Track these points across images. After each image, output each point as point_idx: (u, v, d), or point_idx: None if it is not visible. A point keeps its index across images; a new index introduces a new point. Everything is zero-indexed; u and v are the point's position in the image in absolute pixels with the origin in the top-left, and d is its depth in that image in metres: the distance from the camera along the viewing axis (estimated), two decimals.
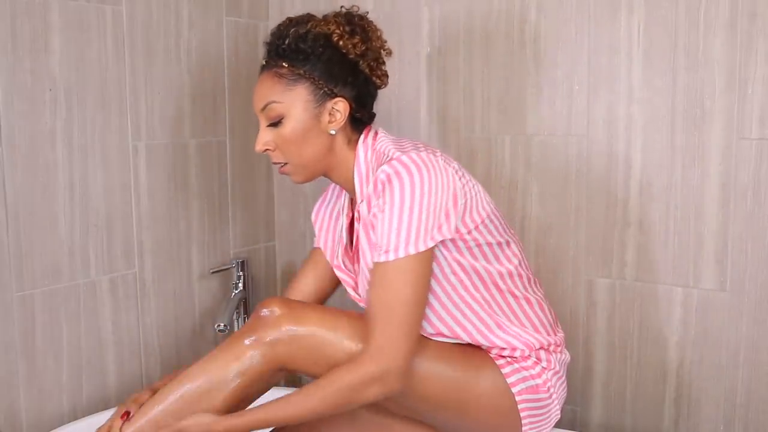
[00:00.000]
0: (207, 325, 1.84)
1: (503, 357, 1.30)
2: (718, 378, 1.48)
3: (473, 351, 1.30)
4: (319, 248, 1.46)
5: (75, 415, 1.57)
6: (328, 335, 1.22)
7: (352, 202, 1.38)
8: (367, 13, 1.32)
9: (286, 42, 1.25)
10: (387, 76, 1.32)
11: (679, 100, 1.46)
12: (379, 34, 1.31)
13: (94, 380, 1.61)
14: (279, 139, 1.27)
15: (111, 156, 1.61)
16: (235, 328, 1.80)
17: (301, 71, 1.25)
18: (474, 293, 1.28)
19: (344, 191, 1.41)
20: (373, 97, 1.32)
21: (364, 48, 1.27)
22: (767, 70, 1.38)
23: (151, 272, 1.70)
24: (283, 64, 1.25)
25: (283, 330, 1.22)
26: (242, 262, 1.82)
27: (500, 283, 1.30)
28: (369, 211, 1.25)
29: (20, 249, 1.46)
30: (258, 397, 1.27)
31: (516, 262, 1.32)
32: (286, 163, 1.30)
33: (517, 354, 1.30)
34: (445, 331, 1.30)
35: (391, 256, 1.18)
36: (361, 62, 1.27)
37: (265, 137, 1.28)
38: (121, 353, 1.66)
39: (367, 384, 1.17)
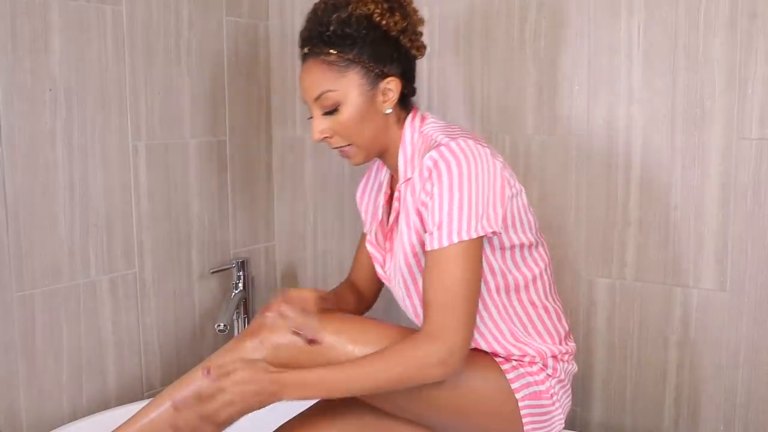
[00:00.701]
0: (207, 325, 1.84)
1: (508, 361, 1.29)
2: (718, 378, 1.48)
3: (478, 354, 1.30)
4: (365, 234, 1.47)
5: (75, 415, 1.57)
6: (331, 339, 1.22)
7: (392, 179, 1.39)
8: None
9: (331, 29, 1.24)
10: (425, 46, 1.32)
11: (679, 100, 1.46)
12: (413, 6, 1.30)
13: (94, 380, 1.61)
14: (337, 126, 1.26)
15: (111, 156, 1.61)
16: (235, 328, 1.80)
17: (351, 56, 1.23)
18: (495, 297, 1.28)
19: (385, 167, 1.41)
20: (414, 70, 1.32)
21: (404, 24, 1.26)
22: (767, 69, 1.38)
23: (151, 272, 1.70)
24: (331, 51, 1.24)
25: (285, 335, 1.21)
26: (242, 262, 1.82)
27: (522, 291, 1.30)
28: (414, 196, 1.25)
29: (20, 249, 1.46)
30: None
31: (542, 266, 1.32)
32: (347, 145, 1.29)
33: (526, 360, 1.30)
34: None
35: (445, 242, 1.17)
36: (401, 37, 1.27)
37: (322, 125, 1.27)
38: (121, 353, 1.66)
39: (431, 364, 1.16)
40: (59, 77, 1.51)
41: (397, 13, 1.25)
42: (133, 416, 1.24)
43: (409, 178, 1.28)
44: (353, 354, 1.21)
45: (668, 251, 1.50)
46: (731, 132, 1.42)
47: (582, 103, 1.56)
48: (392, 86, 1.26)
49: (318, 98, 1.26)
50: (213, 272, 1.82)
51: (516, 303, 1.30)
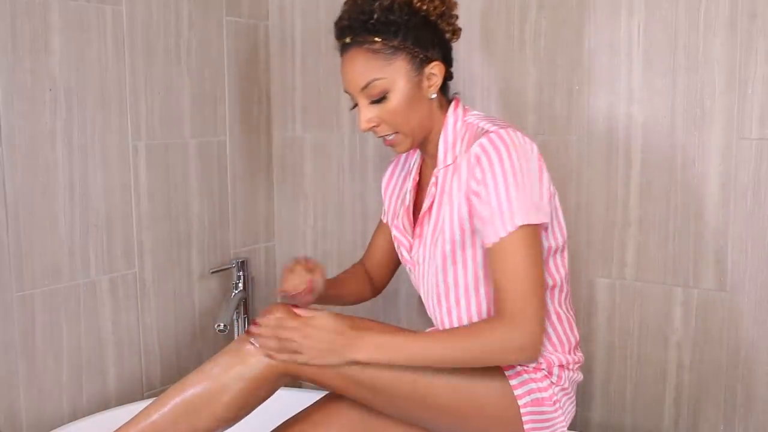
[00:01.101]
0: (207, 325, 1.84)
1: (512, 367, 1.29)
2: (718, 378, 1.48)
3: None
4: (384, 222, 1.49)
5: (75, 415, 1.57)
6: None
7: (423, 165, 1.40)
8: None
9: (375, 16, 1.24)
10: (461, 29, 1.33)
11: (679, 100, 1.46)
12: None
13: (94, 380, 1.61)
14: (385, 114, 1.27)
15: (111, 156, 1.61)
16: (235, 328, 1.80)
17: (396, 43, 1.24)
18: None
19: (416, 153, 1.42)
20: (451, 53, 1.33)
21: (443, 8, 1.28)
22: (767, 70, 1.38)
23: (151, 272, 1.70)
24: (376, 39, 1.24)
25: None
26: (242, 262, 1.82)
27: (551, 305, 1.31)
28: (458, 182, 1.25)
29: (20, 249, 1.46)
30: (260, 403, 1.26)
31: (563, 274, 1.33)
32: (394, 134, 1.29)
33: (531, 366, 1.29)
34: None
35: (508, 229, 1.18)
36: (440, 22, 1.28)
37: (369, 114, 1.27)
38: (121, 353, 1.66)
39: (512, 348, 1.18)
40: (59, 77, 1.51)
41: None
42: (134, 417, 1.24)
43: (448, 165, 1.29)
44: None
45: (668, 251, 1.50)
46: (731, 132, 1.42)
47: (582, 103, 1.56)
48: (436, 71, 1.27)
49: (365, 87, 1.26)
50: (213, 272, 1.82)
51: None
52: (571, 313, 1.36)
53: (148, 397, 1.70)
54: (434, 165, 1.32)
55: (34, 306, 1.49)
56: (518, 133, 1.22)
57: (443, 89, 1.32)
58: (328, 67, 1.89)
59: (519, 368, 1.29)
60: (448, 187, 1.28)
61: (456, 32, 1.31)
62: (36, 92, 1.47)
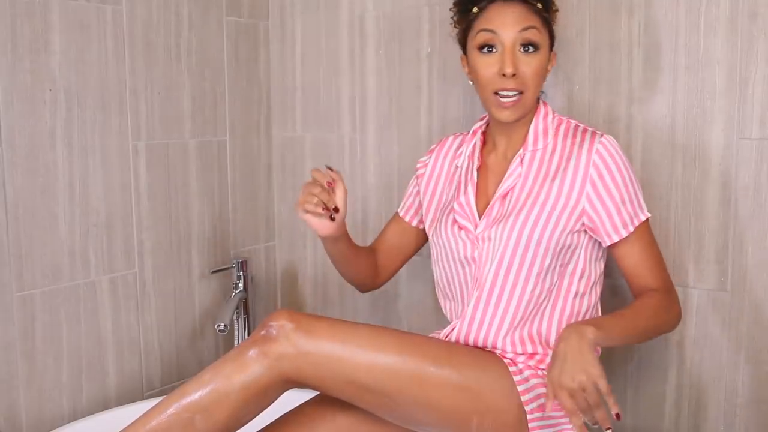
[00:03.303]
0: (207, 325, 1.84)
1: (521, 372, 1.29)
2: (719, 378, 1.48)
3: (491, 361, 1.29)
4: (398, 215, 1.55)
5: (75, 415, 1.57)
6: (337, 349, 1.20)
7: (483, 147, 1.45)
8: None
9: None
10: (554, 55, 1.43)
11: (679, 99, 1.46)
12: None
13: (94, 380, 1.61)
14: (528, 68, 1.31)
15: (111, 156, 1.61)
16: (235, 328, 1.80)
17: (547, 15, 1.34)
18: (574, 303, 1.34)
19: (473, 138, 1.45)
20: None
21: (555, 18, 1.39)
22: (767, 70, 1.38)
23: (151, 272, 1.70)
24: (539, 5, 1.31)
25: (290, 345, 1.19)
26: (242, 262, 1.82)
27: (588, 302, 1.36)
28: (575, 177, 1.31)
29: (20, 249, 1.46)
30: (262, 410, 1.24)
31: (598, 294, 1.39)
32: (520, 93, 1.32)
33: (540, 371, 1.30)
34: (534, 330, 1.34)
35: (641, 218, 1.32)
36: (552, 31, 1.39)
37: (516, 61, 1.31)
38: (121, 353, 1.66)
39: (677, 317, 1.34)
40: (59, 77, 1.51)
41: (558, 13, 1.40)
42: (132, 423, 1.20)
43: (537, 149, 1.36)
44: (365, 361, 1.19)
45: (668, 251, 1.50)
46: (731, 132, 1.42)
47: (582, 103, 1.55)
48: (553, 62, 1.38)
49: (526, 29, 1.30)
50: (213, 272, 1.82)
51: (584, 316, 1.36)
52: None
53: (148, 397, 1.70)
54: (512, 148, 1.39)
55: (34, 306, 1.49)
56: None
57: None
58: (328, 67, 1.89)
59: (527, 373, 1.29)
60: (535, 170, 1.34)
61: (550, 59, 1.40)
62: (36, 92, 1.47)
